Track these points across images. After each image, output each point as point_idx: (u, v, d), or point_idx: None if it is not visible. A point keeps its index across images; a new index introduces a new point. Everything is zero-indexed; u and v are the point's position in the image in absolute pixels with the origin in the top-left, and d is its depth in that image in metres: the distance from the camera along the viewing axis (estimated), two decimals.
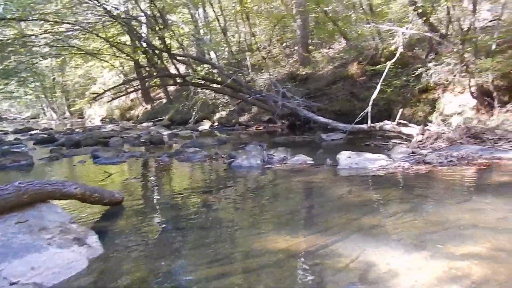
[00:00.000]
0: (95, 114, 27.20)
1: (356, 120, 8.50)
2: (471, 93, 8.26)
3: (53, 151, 8.70)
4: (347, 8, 16.39)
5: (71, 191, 3.32)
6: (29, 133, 15.47)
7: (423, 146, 6.87)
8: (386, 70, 8.29)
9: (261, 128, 13.56)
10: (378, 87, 8.35)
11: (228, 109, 16.00)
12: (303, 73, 14.74)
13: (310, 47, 16.30)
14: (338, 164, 5.89)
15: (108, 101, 15.64)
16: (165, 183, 5.94)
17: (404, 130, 7.81)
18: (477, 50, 8.04)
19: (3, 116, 37.18)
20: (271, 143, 9.21)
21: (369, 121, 8.26)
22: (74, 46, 14.50)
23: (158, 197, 5.01)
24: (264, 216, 3.99)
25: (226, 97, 15.50)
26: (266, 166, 6.34)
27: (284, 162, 6.50)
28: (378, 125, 8.31)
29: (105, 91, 11.13)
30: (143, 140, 11.24)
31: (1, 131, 17.59)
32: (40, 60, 15.79)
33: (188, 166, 7.07)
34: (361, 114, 8.24)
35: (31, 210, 2.93)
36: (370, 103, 8.18)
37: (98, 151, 7.95)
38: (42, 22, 13.07)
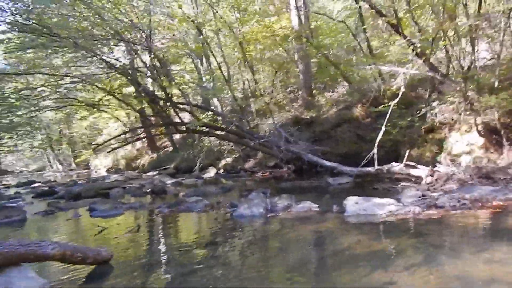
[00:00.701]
0: (100, 165, 27.18)
1: (362, 163, 8.22)
2: (478, 132, 8.01)
3: (50, 204, 8.46)
4: (347, 52, 16.66)
5: (48, 252, 3.04)
6: (31, 186, 15.30)
7: (434, 188, 6.54)
8: (389, 111, 8.11)
9: (267, 173, 13.29)
10: (383, 128, 8.14)
11: (234, 156, 15.83)
12: (308, 117, 14.66)
13: (313, 91, 16.36)
14: (345, 210, 5.57)
15: (109, 152, 15.59)
16: (161, 237, 5.62)
17: (413, 172, 7.50)
18: (480, 87, 7.88)
19: (9, 170, 37.24)
20: (277, 189, 8.91)
21: (375, 164, 7.97)
22: (75, 98, 14.69)
23: (153, 253, 4.68)
24: (270, 272, 3.66)
25: (231, 143, 15.39)
26: (269, 215, 6.01)
27: (289, 210, 6.18)
28: (385, 167, 8.02)
29: (105, 141, 11.02)
30: (146, 190, 10.99)
31: (3, 185, 17.46)
32: (41, 113, 15.93)
33: (188, 217, 6.77)
34: (367, 156, 7.98)
35: None
36: (376, 145, 7.93)
37: (96, 204, 7.70)
38: (44, 75, 13.26)
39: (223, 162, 15.90)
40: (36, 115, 14.57)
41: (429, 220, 4.78)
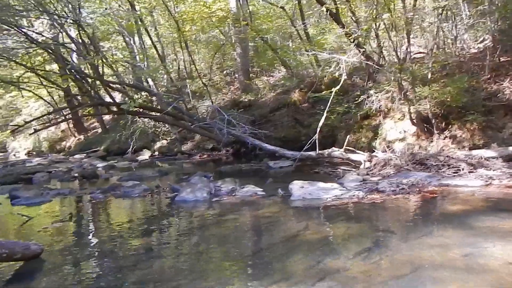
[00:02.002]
0: (20, 147, 24.97)
1: (305, 148, 8.31)
2: (411, 120, 8.43)
3: None
4: (283, 38, 16.75)
5: None
6: None
7: (372, 173, 6.77)
8: (331, 97, 8.23)
9: (205, 156, 13.04)
10: (325, 114, 8.25)
11: (169, 138, 15.31)
12: (246, 100, 14.55)
13: (251, 74, 16.26)
14: (291, 194, 5.55)
15: (31, 134, 14.18)
16: (97, 226, 5.20)
17: (352, 157, 7.72)
18: (414, 79, 8.27)
19: None
20: (217, 172, 8.73)
21: (317, 148, 8.08)
22: None
23: (88, 244, 4.29)
24: (214, 262, 3.49)
25: (167, 125, 14.85)
26: (213, 200, 5.84)
27: (233, 194, 6.05)
28: (326, 152, 8.17)
29: (26, 122, 9.98)
30: (74, 175, 10.23)
31: None
32: None
33: (125, 203, 6.38)
34: (310, 141, 8.06)
35: None
36: (318, 130, 8.03)
37: (18, 190, 6.96)
38: None
39: (158, 144, 15.34)
40: None
41: (373, 205, 4.91)
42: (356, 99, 9.90)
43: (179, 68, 18.75)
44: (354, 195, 5.26)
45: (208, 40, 17.99)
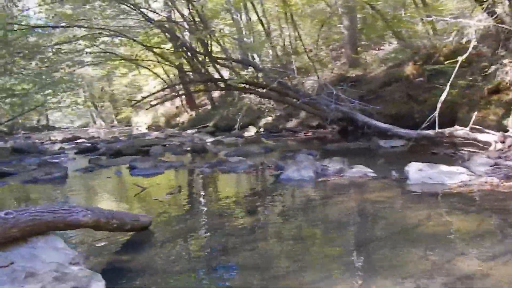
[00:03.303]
0: (141, 122, 27.49)
1: (422, 126, 7.47)
2: None
3: (91, 161, 8.35)
4: (395, 8, 15.28)
5: (79, 219, 2.66)
6: (75, 142, 15.51)
7: (506, 157, 5.77)
8: (456, 68, 7.21)
9: (309, 134, 12.77)
10: (447, 87, 7.28)
11: (274, 115, 15.32)
12: (353, 75, 13.79)
13: (358, 48, 15.33)
14: (407, 178, 4.97)
15: (147, 108, 15.55)
16: (204, 200, 5.27)
17: (479, 137, 6.70)
18: None
19: (56, 126, 38.63)
20: (322, 151, 8.38)
21: (436, 127, 7.20)
22: (113, 53, 14.51)
23: (195, 219, 4.32)
24: (318, 251, 3.16)
25: (272, 102, 14.83)
26: (319, 179, 5.51)
27: (341, 174, 5.65)
28: (447, 131, 7.23)
29: (144, 98, 10.79)
30: (186, 148, 10.81)
31: (50, 140, 17.87)
32: (79, 68, 16.11)
33: (231, 178, 6.42)
34: (429, 118, 7.21)
35: (21, 248, 2.29)
36: (438, 105, 7.13)
37: (136, 161, 7.47)
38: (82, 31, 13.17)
39: (263, 121, 15.46)
40: (74, 70, 14.70)
41: None
42: (485, 70, 8.58)
43: (284, 43, 18.53)
44: (486, 182, 4.49)
45: (314, 13, 17.36)
